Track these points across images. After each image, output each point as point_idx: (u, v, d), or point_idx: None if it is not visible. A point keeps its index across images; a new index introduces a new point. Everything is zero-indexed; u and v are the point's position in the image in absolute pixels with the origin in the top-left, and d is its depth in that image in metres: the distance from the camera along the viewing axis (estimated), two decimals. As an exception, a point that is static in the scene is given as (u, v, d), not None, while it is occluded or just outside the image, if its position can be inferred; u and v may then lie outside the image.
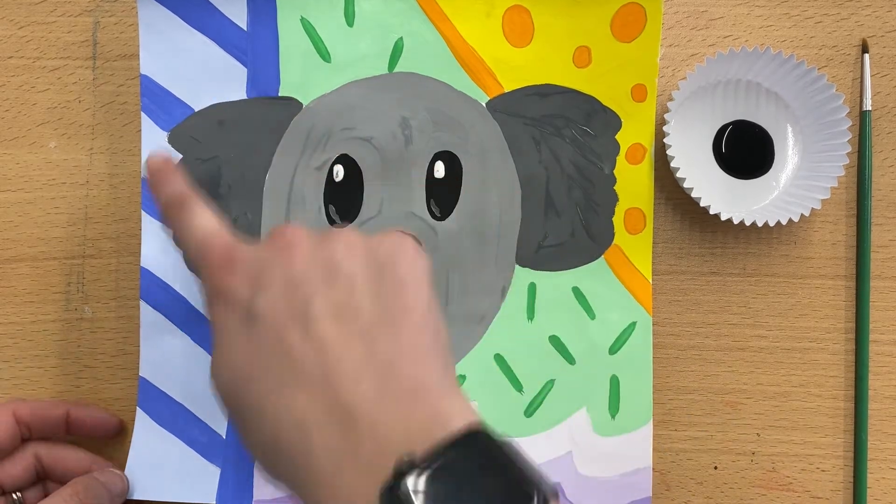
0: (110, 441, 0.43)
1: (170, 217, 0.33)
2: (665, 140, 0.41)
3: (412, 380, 0.27)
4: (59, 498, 0.37)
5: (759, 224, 0.41)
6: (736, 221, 0.41)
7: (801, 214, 0.41)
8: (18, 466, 0.40)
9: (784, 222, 0.41)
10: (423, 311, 0.29)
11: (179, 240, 0.33)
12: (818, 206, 0.41)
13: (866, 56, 0.43)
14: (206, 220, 0.32)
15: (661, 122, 0.42)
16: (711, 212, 0.41)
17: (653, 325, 0.42)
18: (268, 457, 0.28)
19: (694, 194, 0.41)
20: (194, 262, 0.32)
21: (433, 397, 0.27)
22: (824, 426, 0.43)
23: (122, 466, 0.41)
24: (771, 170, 0.43)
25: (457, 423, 0.26)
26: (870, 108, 0.43)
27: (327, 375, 0.27)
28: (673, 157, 0.41)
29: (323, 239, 0.30)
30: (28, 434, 0.40)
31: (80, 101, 0.44)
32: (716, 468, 0.43)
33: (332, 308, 0.28)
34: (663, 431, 0.43)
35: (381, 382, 0.27)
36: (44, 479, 0.41)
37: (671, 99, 0.41)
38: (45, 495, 0.41)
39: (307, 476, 0.26)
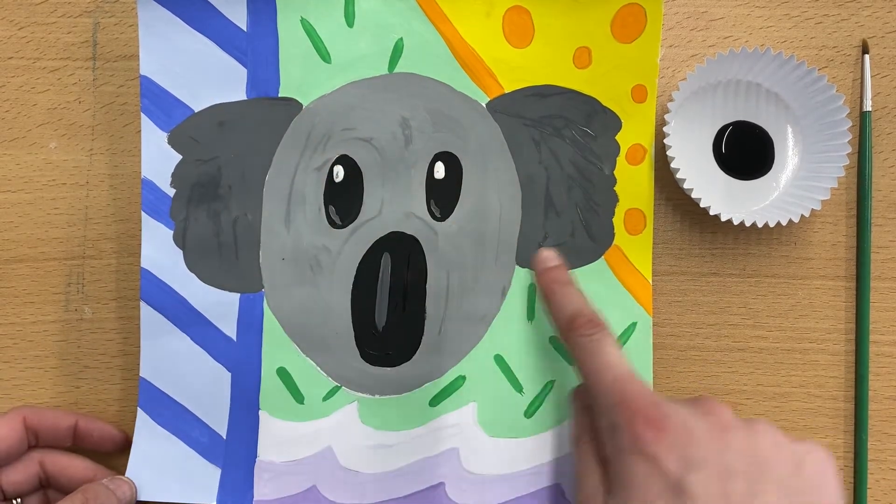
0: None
1: (576, 334, 0.35)
2: (665, 141, 0.41)
3: None
4: None
5: (759, 225, 0.41)
6: (736, 222, 0.41)
7: (801, 215, 0.41)
8: (22, 473, 0.40)
9: (784, 223, 0.41)
10: None
11: (582, 362, 0.35)
12: (818, 207, 0.41)
13: (866, 57, 0.43)
14: (621, 359, 0.34)
15: (661, 123, 0.42)
16: (711, 212, 0.41)
17: (653, 325, 0.42)
18: None
19: (694, 195, 0.41)
20: (605, 399, 0.33)
21: None
22: (824, 427, 0.43)
23: (122, 473, 0.41)
24: (771, 170, 0.43)
25: None
26: (870, 109, 0.43)
27: None
28: (673, 158, 0.41)
29: (752, 429, 0.32)
30: (34, 441, 0.40)
31: (80, 102, 0.44)
32: (716, 469, 0.43)
33: None
34: (663, 432, 0.43)
35: None
36: (46, 486, 0.41)
37: (671, 99, 0.41)
38: (46, 503, 0.41)
39: None
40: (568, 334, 0.36)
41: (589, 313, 0.36)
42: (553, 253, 0.40)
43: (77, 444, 0.42)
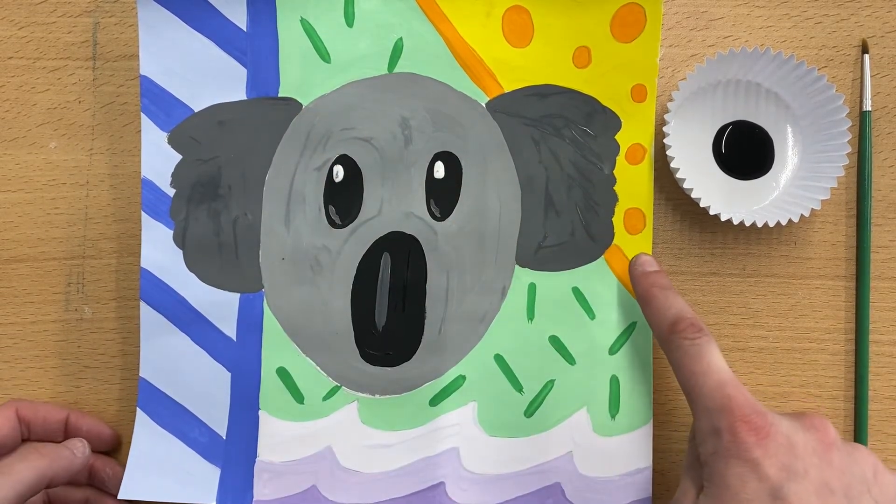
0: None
1: (679, 337, 0.35)
2: (665, 140, 0.41)
3: None
4: (20, 458, 0.38)
5: (759, 225, 0.41)
6: (736, 222, 0.41)
7: (801, 215, 0.41)
8: None
9: (784, 223, 0.41)
10: None
11: (682, 366, 0.35)
12: (818, 207, 0.41)
13: (866, 56, 0.43)
14: (724, 364, 0.34)
15: (661, 123, 0.42)
16: (711, 212, 0.41)
17: (653, 325, 0.42)
18: None
19: (694, 195, 0.41)
20: (707, 403, 0.33)
21: None
22: (824, 426, 0.43)
23: (121, 467, 0.41)
24: (771, 170, 0.43)
25: None
26: (870, 109, 0.43)
27: None
28: (673, 158, 0.41)
29: (854, 452, 0.33)
30: (27, 434, 0.40)
31: (80, 102, 0.44)
32: (716, 468, 0.43)
33: None
34: (663, 431, 0.43)
35: None
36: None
37: (671, 99, 0.41)
38: (42, 500, 0.41)
39: None
40: (669, 337, 0.36)
41: (691, 317, 0.36)
42: (651, 258, 0.40)
43: (68, 438, 0.42)
